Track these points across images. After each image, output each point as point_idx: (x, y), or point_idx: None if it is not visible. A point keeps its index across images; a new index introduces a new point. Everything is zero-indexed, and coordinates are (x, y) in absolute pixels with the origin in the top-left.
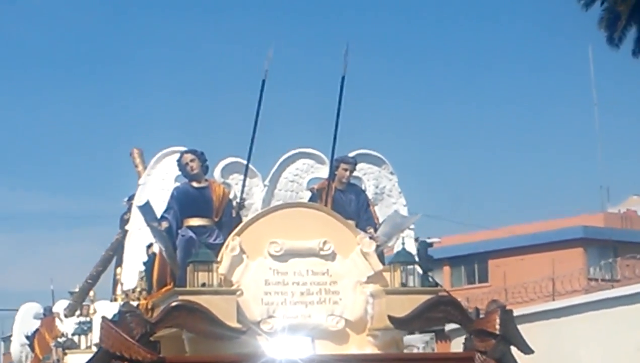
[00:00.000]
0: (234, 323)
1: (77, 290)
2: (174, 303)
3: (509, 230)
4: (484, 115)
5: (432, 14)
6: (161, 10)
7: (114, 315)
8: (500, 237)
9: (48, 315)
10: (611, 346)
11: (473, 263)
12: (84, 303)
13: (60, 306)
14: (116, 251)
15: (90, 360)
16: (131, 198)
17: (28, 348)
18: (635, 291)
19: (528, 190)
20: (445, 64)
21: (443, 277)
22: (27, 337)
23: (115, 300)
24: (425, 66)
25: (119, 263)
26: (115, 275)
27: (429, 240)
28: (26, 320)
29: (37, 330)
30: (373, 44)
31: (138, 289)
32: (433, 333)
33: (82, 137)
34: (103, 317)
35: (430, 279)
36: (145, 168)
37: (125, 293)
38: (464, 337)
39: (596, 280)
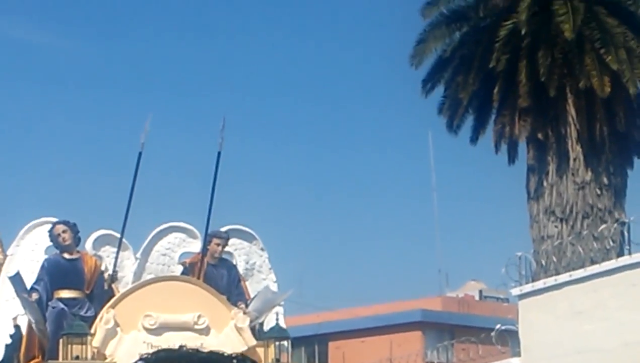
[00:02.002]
0: None
1: None
2: None
3: (349, 312)
4: (330, 197)
5: (303, 95)
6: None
7: None
8: (341, 319)
9: None
10: None
11: (313, 345)
12: None
13: None
14: None
15: None
16: None
17: None
18: None
19: (369, 272)
20: (302, 143)
21: (281, 358)
22: None
23: None
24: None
25: None
26: None
27: None
28: None
29: None
30: (248, 120)
31: None
32: None
33: None
34: None
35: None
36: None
37: None
38: None
39: (433, 362)
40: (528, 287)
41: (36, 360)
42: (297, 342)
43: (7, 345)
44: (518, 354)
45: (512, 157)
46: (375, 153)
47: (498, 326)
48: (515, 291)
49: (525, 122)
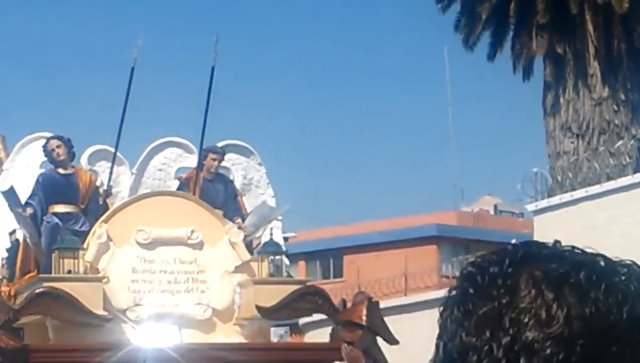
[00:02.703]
0: (99, 311)
1: None
2: (38, 290)
3: (364, 226)
4: (346, 109)
5: (303, 3)
6: None
7: None
8: (356, 233)
9: None
10: None
11: (328, 259)
12: None
13: None
14: None
15: None
16: None
17: None
18: None
19: (384, 187)
20: (310, 55)
21: (298, 272)
22: None
23: None
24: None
25: None
26: None
27: (285, 235)
28: None
29: None
30: (243, 34)
31: (0, 276)
32: (287, 327)
33: None
34: None
35: (285, 273)
36: (7, 154)
37: None
38: (317, 330)
39: (448, 277)
40: (543, 203)
41: (31, 274)
42: (312, 256)
43: (3, 259)
44: None
45: (528, 74)
46: (391, 67)
47: (513, 241)
48: (531, 207)
49: (543, 38)
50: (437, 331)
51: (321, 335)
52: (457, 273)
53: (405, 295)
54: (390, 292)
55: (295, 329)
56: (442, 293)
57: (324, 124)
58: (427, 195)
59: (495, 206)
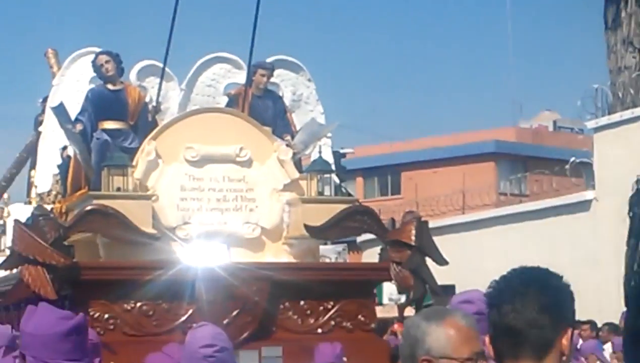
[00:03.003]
0: (149, 229)
1: None
2: (88, 207)
3: (422, 142)
4: (399, 24)
5: None
6: None
7: (28, 219)
8: (413, 150)
9: None
10: (518, 260)
11: (386, 175)
12: None
13: None
14: (30, 153)
15: (2, 263)
16: (45, 99)
17: None
18: (543, 206)
19: (443, 103)
20: None
21: (356, 188)
22: None
23: (30, 203)
24: None
25: (34, 166)
26: (29, 177)
27: (342, 151)
28: None
29: None
30: None
31: (53, 192)
32: (345, 244)
33: None
34: (16, 220)
35: (344, 190)
36: (60, 69)
37: (40, 196)
38: (375, 248)
39: (506, 194)
40: (604, 120)
41: (82, 191)
42: (369, 172)
43: (55, 176)
44: (592, 187)
45: None
46: None
47: (572, 159)
48: (591, 124)
49: None
50: (495, 249)
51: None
52: (516, 191)
53: (463, 213)
54: (448, 210)
55: (353, 247)
56: (500, 211)
57: (379, 38)
58: (485, 111)
59: (555, 122)
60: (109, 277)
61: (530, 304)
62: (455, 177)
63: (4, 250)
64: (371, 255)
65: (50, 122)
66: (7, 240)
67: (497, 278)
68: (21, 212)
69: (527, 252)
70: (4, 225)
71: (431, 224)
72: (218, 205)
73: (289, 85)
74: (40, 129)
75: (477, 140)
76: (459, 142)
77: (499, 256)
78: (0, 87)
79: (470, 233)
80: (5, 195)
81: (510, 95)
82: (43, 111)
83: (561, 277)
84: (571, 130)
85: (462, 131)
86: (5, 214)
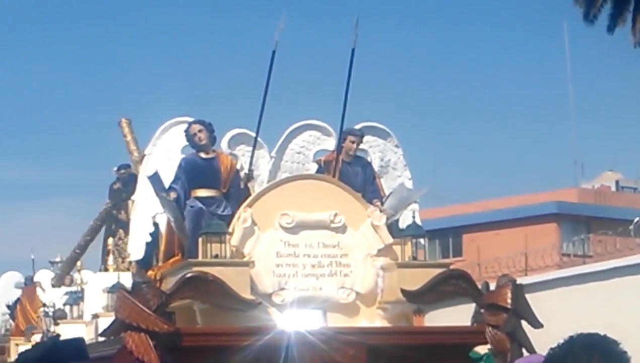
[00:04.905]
0: (247, 295)
1: (58, 260)
2: (188, 274)
3: (483, 204)
4: (463, 87)
5: None
6: None
7: (114, 286)
8: (475, 212)
9: (29, 285)
10: (582, 321)
11: (448, 237)
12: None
13: (41, 276)
14: (104, 221)
15: (104, 330)
16: (121, 168)
17: (9, 318)
18: (607, 267)
19: (503, 165)
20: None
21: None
22: (8, 307)
23: (107, 270)
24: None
25: (110, 234)
26: (105, 245)
27: None
28: (7, 289)
29: (18, 299)
30: (382, 16)
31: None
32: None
33: (67, 106)
34: (120, 288)
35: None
36: (134, 138)
37: (136, 264)
38: (436, 311)
39: (569, 255)
40: None
41: (175, 257)
42: (431, 234)
43: (147, 243)
44: None
45: None
46: (511, 44)
47: (636, 219)
48: None
49: None
50: (558, 310)
51: (440, 317)
52: (579, 252)
53: (526, 274)
54: (511, 272)
55: (417, 310)
56: (563, 272)
57: (442, 102)
58: (547, 172)
59: (617, 182)
60: (209, 343)
61: None
62: (518, 239)
63: (81, 317)
64: (431, 318)
65: (143, 190)
66: (85, 307)
67: (554, 345)
68: (97, 279)
69: (592, 313)
70: (82, 292)
71: (493, 286)
72: (313, 271)
73: (377, 151)
74: (132, 197)
75: (539, 202)
76: (520, 203)
77: (562, 317)
78: (72, 155)
79: (533, 294)
80: (78, 263)
81: (572, 155)
82: (118, 179)
83: (619, 344)
84: (634, 190)
85: (524, 193)
86: (78, 281)
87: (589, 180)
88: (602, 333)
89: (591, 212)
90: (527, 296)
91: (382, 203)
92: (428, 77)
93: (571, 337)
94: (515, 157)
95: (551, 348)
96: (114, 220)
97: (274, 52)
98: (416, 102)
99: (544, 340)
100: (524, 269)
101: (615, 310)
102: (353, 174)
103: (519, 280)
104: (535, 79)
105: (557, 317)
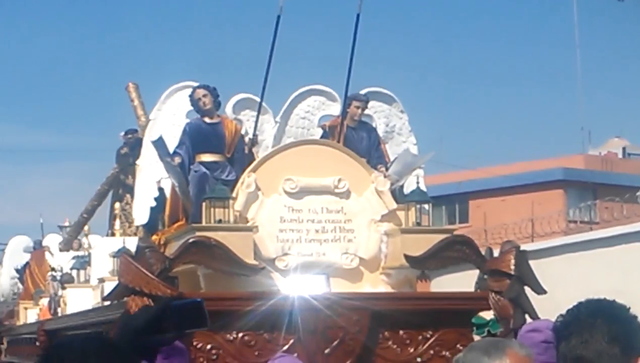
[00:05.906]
0: (250, 260)
1: (66, 224)
2: (192, 239)
3: (489, 170)
4: (470, 53)
5: None
6: None
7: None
8: (481, 178)
9: (38, 249)
10: (588, 288)
11: (454, 203)
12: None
13: (50, 240)
14: (112, 185)
15: (108, 294)
16: (128, 132)
17: (18, 282)
18: (613, 234)
19: (510, 131)
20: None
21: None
22: (17, 270)
23: (114, 234)
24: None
25: (117, 198)
26: (112, 210)
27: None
28: (16, 253)
29: (27, 263)
30: None
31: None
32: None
33: (74, 71)
34: (123, 252)
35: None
36: (141, 102)
37: (142, 228)
38: (441, 277)
39: (575, 222)
40: None
41: (180, 222)
42: (437, 201)
43: (152, 208)
44: None
45: None
46: (518, 9)
47: None
48: None
49: None
50: (564, 277)
51: (447, 282)
52: (585, 218)
53: (532, 240)
54: (517, 238)
55: (421, 275)
56: (569, 239)
57: (448, 68)
58: (554, 138)
59: (624, 148)
60: (212, 308)
61: (599, 335)
62: (524, 205)
63: (88, 281)
64: (438, 284)
65: (147, 155)
66: (92, 271)
67: (563, 312)
68: (105, 243)
69: (597, 280)
70: (89, 256)
71: (497, 252)
72: (317, 236)
73: (382, 116)
74: (137, 162)
75: (546, 168)
76: (527, 169)
77: (568, 284)
78: (79, 120)
79: (539, 261)
80: (86, 227)
81: (579, 122)
82: (125, 144)
83: (628, 308)
84: None
85: (531, 159)
86: (85, 246)
87: (596, 147)
88: (610, 299)
89: (598, 179)
90: (533, 262)
91: (387, 169)
92: (434, 42)
93: (580, 303)
94: (522, 123)
95: (560, 315)
96: (121, 185)
97: (278, 16)
98: (422, 68)
99: (548, 307)
100: (530, 235)
101: (622, 277)
102: (358, 139)
103: (525, 247)
104: (543, 45)
105: (563, 284)
